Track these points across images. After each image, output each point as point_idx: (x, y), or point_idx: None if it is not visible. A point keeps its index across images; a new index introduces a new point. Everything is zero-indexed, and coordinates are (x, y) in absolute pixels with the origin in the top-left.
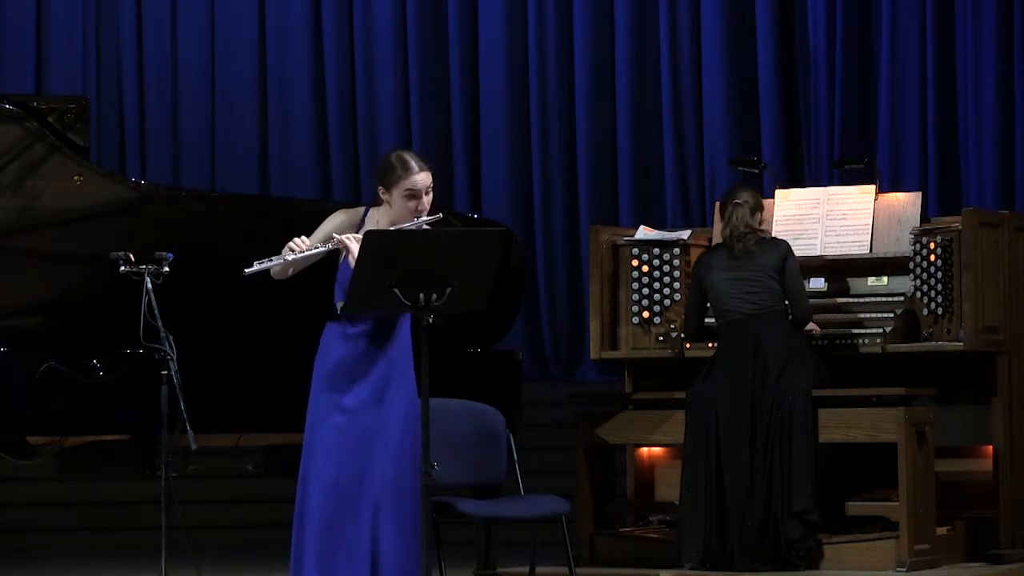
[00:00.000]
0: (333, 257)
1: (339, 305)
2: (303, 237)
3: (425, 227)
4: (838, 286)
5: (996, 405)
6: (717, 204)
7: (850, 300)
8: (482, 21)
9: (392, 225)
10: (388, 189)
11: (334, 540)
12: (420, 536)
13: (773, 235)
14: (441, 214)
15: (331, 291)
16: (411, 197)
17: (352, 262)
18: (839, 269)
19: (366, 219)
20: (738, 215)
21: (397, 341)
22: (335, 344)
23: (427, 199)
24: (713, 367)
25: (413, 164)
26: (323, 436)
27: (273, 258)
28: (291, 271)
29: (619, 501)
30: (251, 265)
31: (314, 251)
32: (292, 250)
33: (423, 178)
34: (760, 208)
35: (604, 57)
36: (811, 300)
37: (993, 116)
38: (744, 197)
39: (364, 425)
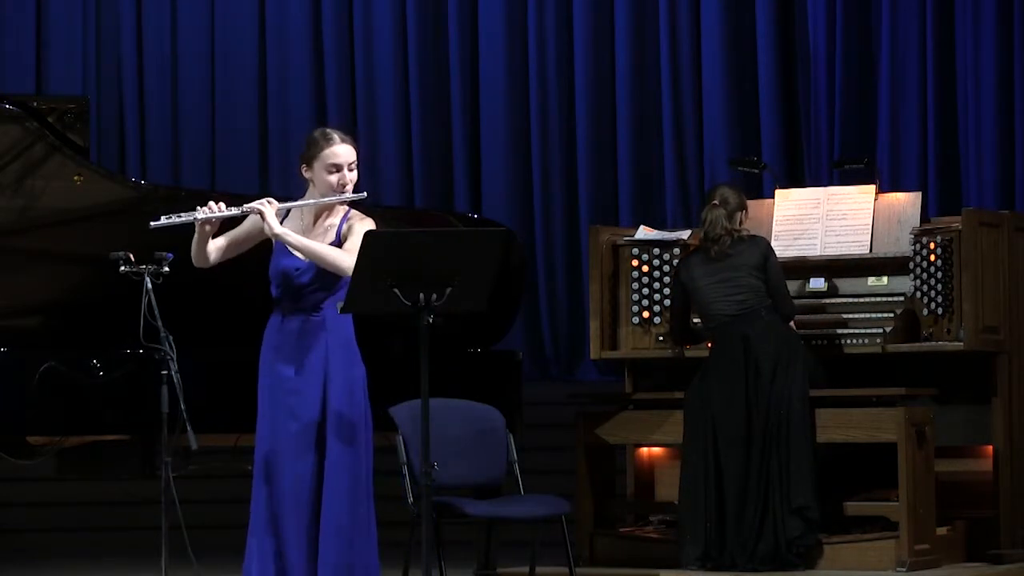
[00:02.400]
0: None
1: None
2: (220, 202)
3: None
4: (838, 286)
5: (996, 405)
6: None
7: (850, 300)
8: (482, 21)
9: (316, 201)
10: (310, 164)
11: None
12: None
13: (752, 233)
14: (365, 193)
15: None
16: (333, 170)
17: (267, 230)
18: (839, 269)
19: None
20: (712, 216)
21: (333, 330)
22: (273, 338)
23: (351, 175)
24: (708, 369)
25: (335, 136)
26: (267, 430)
27: (182, 214)
28: (212, 256)
29: (619, 501)
30: (158, 219)
31: (225, 213)
32: (203, 209)
33: (345, 150)
34: (741, 208)
35: (604, 57)
36: (811, 300)
37: (993, 116)
38: (723, 197)
39: (305, 419)
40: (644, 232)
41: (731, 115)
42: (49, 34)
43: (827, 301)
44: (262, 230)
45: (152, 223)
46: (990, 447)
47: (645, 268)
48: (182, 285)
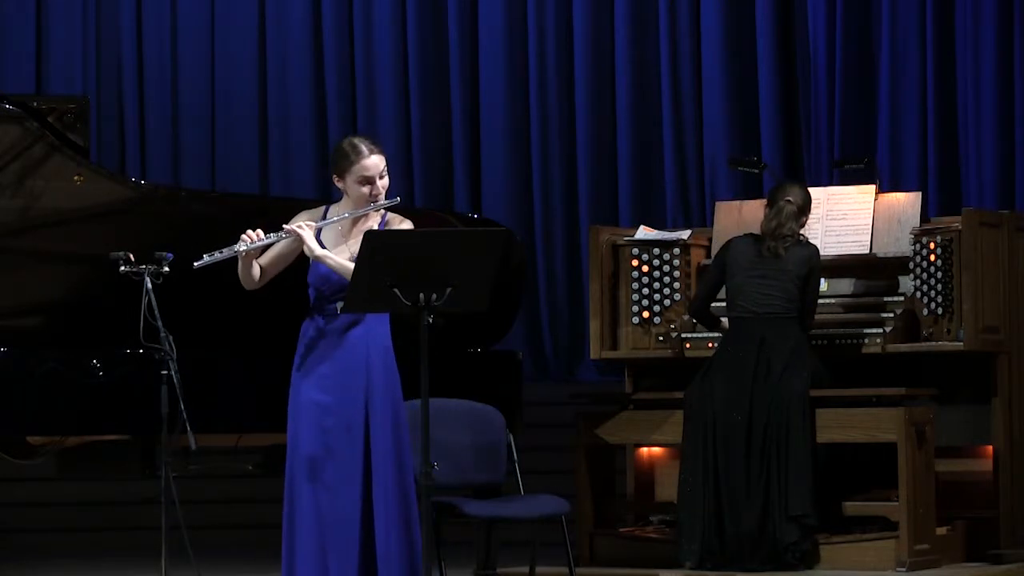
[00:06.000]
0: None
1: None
2: (258, 230)
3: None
4: (838, 286)
5: (996, 405)
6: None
7: (850, 300)
8: (482, 21)
9: (350, 213)
10: (342, 177)
11: (326, 537)
12: (419, 531)
13: (807, 239)
14: (399, 198)
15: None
16: (364, 182)
17: (307, 251)
18: (839, 269)
19: (327, 215)
20: (787, 213)
21: (373, 333)
22: (309, 339)
23: (382, 183)
24: (712, 366)
25: (364, 148)
26: (306, 437)
27: (224, 250)
28: (259, 278)
29: (619, 501)
30: (200, 259)
31: (266, 241)
32: (244, 241)
33: (374, 162)
34: (806, 211)
35: (604, 58)
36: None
37: (993, 116)
38: (795, 195)
39: (348, 421)
40: (644, 232)
41: (731, 115)
42: (49, 34)
43: (827, 301)
44: (300, 247)
45: (196, 263)
46: (990, 447)
47: (645, 268)
48: (182, 285)
